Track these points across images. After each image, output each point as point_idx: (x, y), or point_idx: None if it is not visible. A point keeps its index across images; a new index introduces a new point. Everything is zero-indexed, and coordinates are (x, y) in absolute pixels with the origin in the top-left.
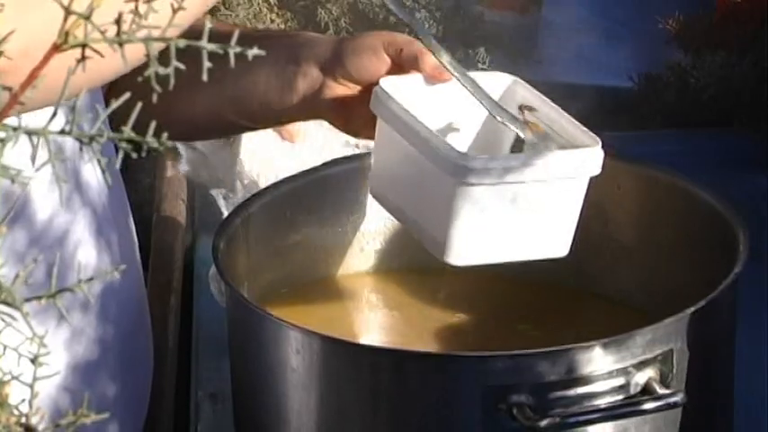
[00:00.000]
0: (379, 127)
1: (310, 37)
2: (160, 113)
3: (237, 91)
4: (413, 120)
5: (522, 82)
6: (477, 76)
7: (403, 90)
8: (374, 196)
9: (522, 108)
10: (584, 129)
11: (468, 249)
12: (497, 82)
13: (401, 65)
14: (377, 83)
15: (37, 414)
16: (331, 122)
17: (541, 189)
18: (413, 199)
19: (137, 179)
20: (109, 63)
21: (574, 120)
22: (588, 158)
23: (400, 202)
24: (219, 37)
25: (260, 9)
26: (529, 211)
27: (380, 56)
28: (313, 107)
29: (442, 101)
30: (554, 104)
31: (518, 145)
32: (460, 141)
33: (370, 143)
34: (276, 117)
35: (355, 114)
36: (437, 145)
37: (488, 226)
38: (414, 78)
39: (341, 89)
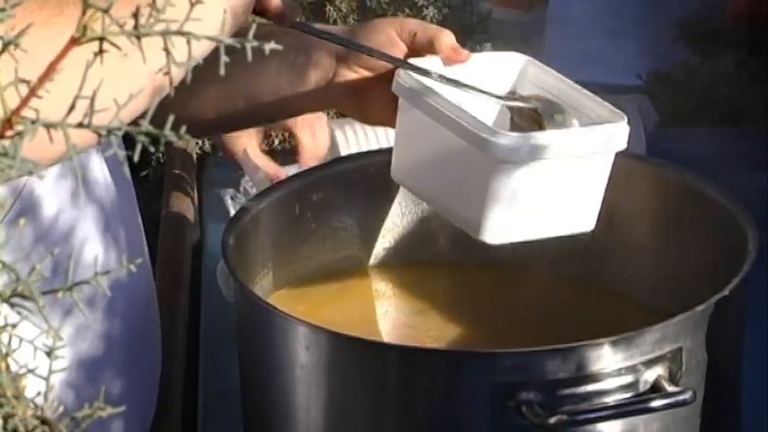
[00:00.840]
0: (401, 110)
1: (320, 27)
2: (175, 110)
3: (248, 84)
4: (441, 99)
5: (536, 62)
6: (491, 56)
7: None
8: (398, 181)
9: (512, 93)
10: (607, 104)
11: (503, 227)
12: (512, 62)
13: (416, 49)
14: (394, 68)
15: (52, 407)
16: (344, 110)
17: (571, 165)
18: (443, 180)
19: (145, 176)
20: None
21: (595, 96)
22: (615, 134)
23: (428, 184)
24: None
25: None
26: (559, 188)
27: (394, 41)
28: (326, 96)
29: (467, 78)
30: (573, 83)
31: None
32: (485, 120)
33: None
34: (289, 109)
35: (370, 100)
36: (469, 122)
37: (521, 203)
38: (432, 60)
39: (354, 76)
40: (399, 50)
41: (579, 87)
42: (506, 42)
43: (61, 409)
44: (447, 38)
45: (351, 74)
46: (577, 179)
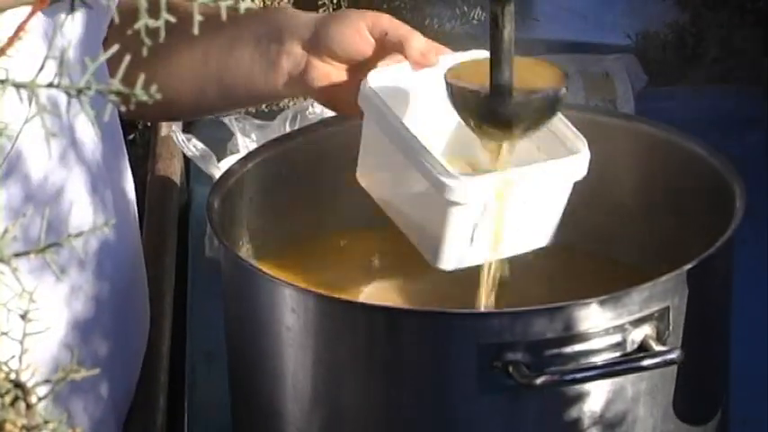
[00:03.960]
0: (367, 120)
1: (292, 14)
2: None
3: (222, 71)
4: (401, 126)
5: None
6: (457, 56)
7: (390, 84)
8: (362, 184)
9: None
10: (571, 133)
11: (459, 256)
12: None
13: (385, 47)
14: (363, 66)
15: (27, 370)
16: (317, 100)
17: (530, 197)
18: (402, 202)
19: (132, 139)
20: None
21: (561, 120)
22: (575, 166)
23: (388, 199)
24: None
25: None
26: (517, 217)
27: (364, 35)
28: (299, 85)
29: (430, 93)
30: None
31: None
32: (449, 134)
33: None
34: (262, 96)
35: (342, 92)
36: (427, 160)
37: (479, 235)
38: (400, 69)
39: (326, 67)
40: (368, 45)
41: None
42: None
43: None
44: (417, 42)
45: (322, 65)
46: (536, 208)
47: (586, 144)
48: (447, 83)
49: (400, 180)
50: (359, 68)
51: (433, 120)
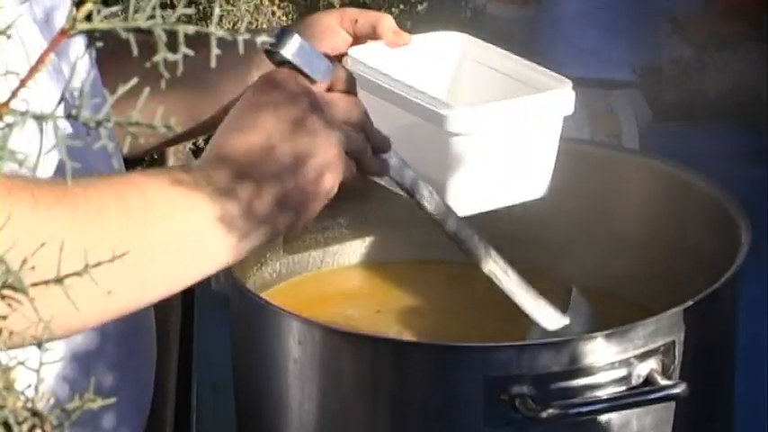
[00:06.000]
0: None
1: (256, 31)
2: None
3: (189, 93)
4: (390, 80)
5: (476, 39)
6: (431, 36)
7: (373, 54)
8: None
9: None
10: (551, 73)
11: (464, 199)
12: (452, 41)
13: (359, 36)
14: (340, 58)
15: (43, 399)
16: None
17: (522, 132)
18: (404, 155)
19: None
20: None
21: (538, 66)
22: (561, 99)
23: None
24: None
25: (261, 1)
26: (513, 155)
27: (336, 31)
28: None
29: (411, 59)
30: (515, 56)
31: None
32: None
33: None
34: None
35: None
36: (421, 98)
37: (479, 172)
38: (376, 46)
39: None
40: (341, 38)
41: (521, 59)
42: (500, 37)
43: (52, 401)
44: (387, 22)
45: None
46: (529, 145)
47: (570, 83)
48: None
49: (395, 137)
50: None
51: (418, 79)
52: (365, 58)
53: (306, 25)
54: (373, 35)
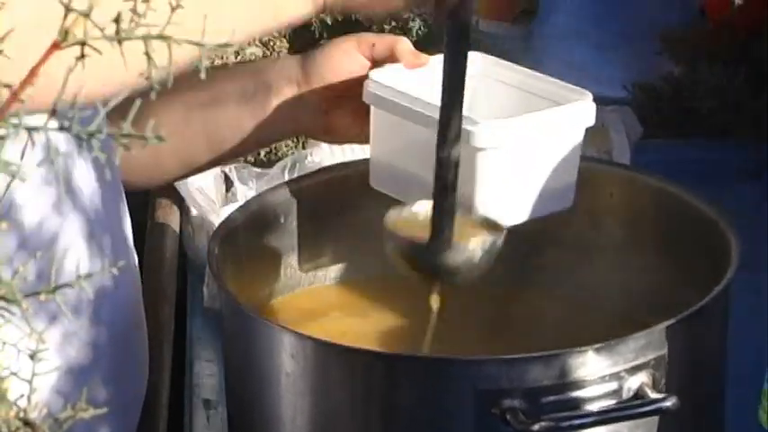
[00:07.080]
0: (374, 117)
1: (273, 59)
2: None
3: (208, 128)
4: (412, 99)
5: (494, 58)
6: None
7: (393, 76)
8: (378, 188)
9: None
10: (571, 86)
11: (493, 214)
12: (471, 61)
13: (377, 60)
14: (359, 83)
15: (36, 409)
16: (313, 134)
17: (546, 145)
18: (425, 178)
19: None
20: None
21: (557, 81)
22: (582, 110)
23: (410, 185)
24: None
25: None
26: (538, 167)
27: (354, 55)
28: (293, 123)
29: (433, 80)
30: (531, 71)
31: None
32: None
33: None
34: (253, 142)
35: (337, 118)
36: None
37: (506, 186)
38: (397, 67)
39: (318, 98)
40: (357, 64)
41: (539, 75)
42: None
43: (45, 411)
44: (404, 45)
45: (314, 96)
46: (554, 157)
47: (590, 95)
48: (387, 232)
49: (418, 156)
50: (349, 93)
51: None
52: (386, 79)
53: (323, 51)
54: (391, 58)
